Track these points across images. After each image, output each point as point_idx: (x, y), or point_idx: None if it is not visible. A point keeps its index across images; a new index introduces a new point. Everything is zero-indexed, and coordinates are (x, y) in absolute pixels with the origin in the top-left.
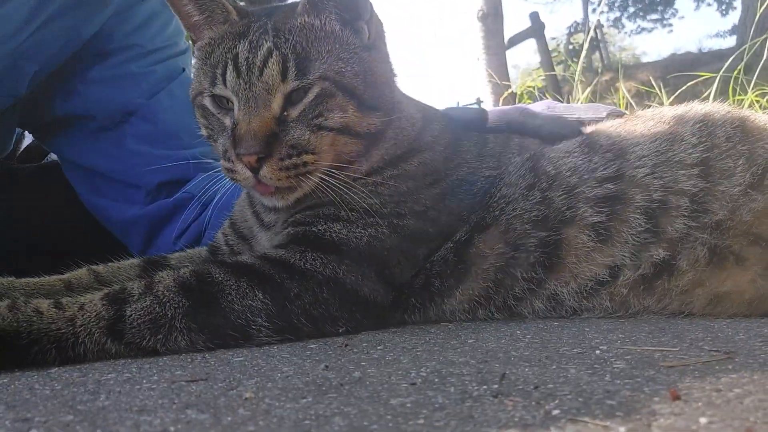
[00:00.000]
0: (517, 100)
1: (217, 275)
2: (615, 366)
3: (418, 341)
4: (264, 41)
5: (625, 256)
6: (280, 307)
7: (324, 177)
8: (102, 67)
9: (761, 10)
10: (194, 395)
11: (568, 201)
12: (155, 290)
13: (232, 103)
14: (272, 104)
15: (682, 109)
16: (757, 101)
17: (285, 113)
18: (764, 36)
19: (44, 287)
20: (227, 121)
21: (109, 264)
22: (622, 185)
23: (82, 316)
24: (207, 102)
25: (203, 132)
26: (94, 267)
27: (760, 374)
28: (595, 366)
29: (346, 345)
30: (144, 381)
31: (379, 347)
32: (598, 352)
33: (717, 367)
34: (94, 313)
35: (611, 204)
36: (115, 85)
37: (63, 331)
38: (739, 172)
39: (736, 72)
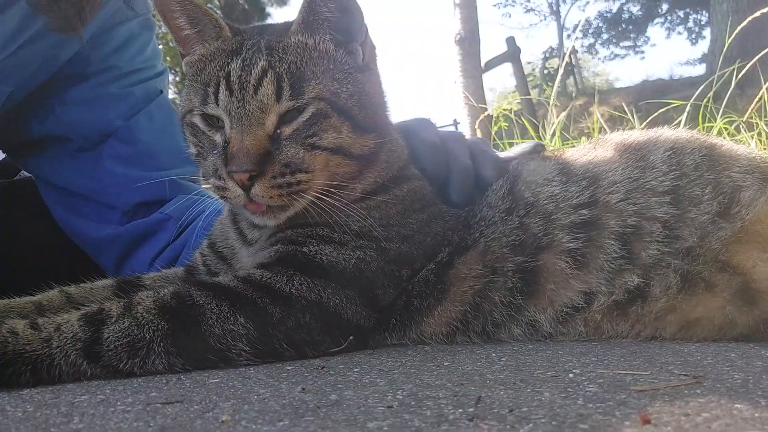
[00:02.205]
0: (493, 123)
1: (198, 298)
2: (588, 389)
3: (395, 363)
4: (258, 59)
5: (600, 282)
6: (262, 333)
7: (318, 196)
8: (80, 88)
9: (729, 41)
10: (170, 418)
11: (545, 227)
12: (134, 312)
13: (223, 121)
14: (266, 123)
15: (651, 134)
16: (726, 128)
17: (278, 131)
18: (732, 67)
19: (15, 309)
20: (218, 139)
21: (82, 285)
22: (596, 211)
23: (59, 337)
24: (197, 120)
25: (192, 150)
26: (66, 288)
27: (727, 399)
28: (569, 389)
29: (323, 367)
30: (118, 403)
31: (355, 369)
32: (571, 375)
33: (686, 392)
34: (71, 335)
35: (587, 230)
36: (93, 107)
37: (39, 352)
38: (707, 200)
39: (706, 100)
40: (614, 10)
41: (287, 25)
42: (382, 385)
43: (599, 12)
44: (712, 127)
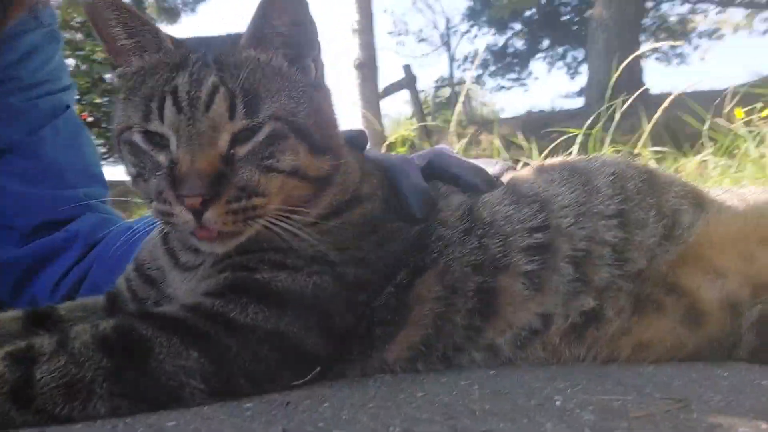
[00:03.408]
0: (392, 149)
1: (144, 331)
2: (585, 418)
3: (364, 396)
4: (207, 75)
5: (556, 304)
6: (218, 367)
7: (272, 221)
8: None
9: (614, 76)
10: None
11: (504, 249)
12: (70, 348)
13: (168, 140)
14: (218, 142)
15: (590, 160)
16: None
17: (231, 151)
18: (620, 98)
19: None
20: (162, 159)
21: None
22: (549, 235)
23: None
24: (137, 138)
25: (130, 170)
26: None
27: (723, 417)
28: (566, 419)
29: (288, 403)
30: None
31: (325, 404)
32: (558, 403)
33: (682, 416)
34: None
35: (542, 253)
36: None
37: None
38: (652, 223)
39: (596, 129)
40: (500, 44)
41: (234, 38)
42: (367, 420)
43: (487, 45)
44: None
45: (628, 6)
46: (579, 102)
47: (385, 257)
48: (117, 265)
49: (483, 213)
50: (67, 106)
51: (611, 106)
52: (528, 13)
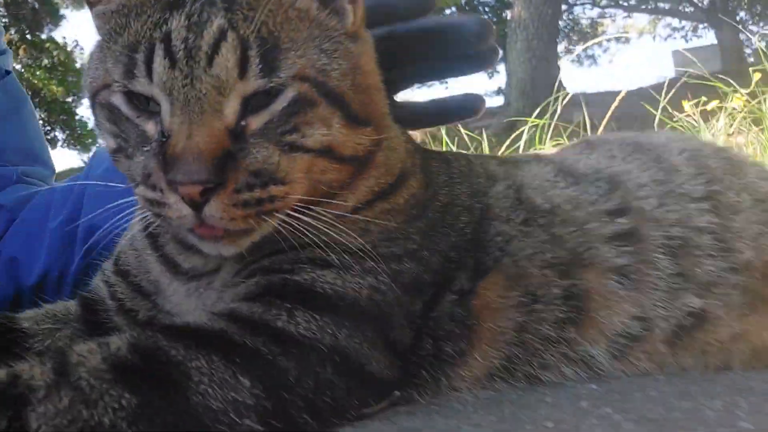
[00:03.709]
0: None
1: (173, 351)
2: None
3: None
4: (212, 16)
5: (656, 304)
6: (277, 400)
7: (292, 215)
8: None
9: (563, 82)
10: None
11: (584, 240)
12: (74, 378)
13: (159, 104)
14: (224, 109)
15: (648, 135)
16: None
17: (242, 123)
18: (557, 95)
19: None
20: (150, 129)
21: None
22: (633, 219)
23: None
24: (117, 100)
25: (109, 143)
26: None
27: None
28: None
29: None
30: None
31: None
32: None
33: None
34: None
35: (631, 242)
36: None
37: None
38: (749, 208)
39: (544, 120)
40: None
41: None
42: None
43: None
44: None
45: (546, 8)
46: (498, 100)
47: (435, 251)
48: (34, 234)
49: (536, 198)
50: (7, 72)
51: (549, 102)
52: (448, 12)
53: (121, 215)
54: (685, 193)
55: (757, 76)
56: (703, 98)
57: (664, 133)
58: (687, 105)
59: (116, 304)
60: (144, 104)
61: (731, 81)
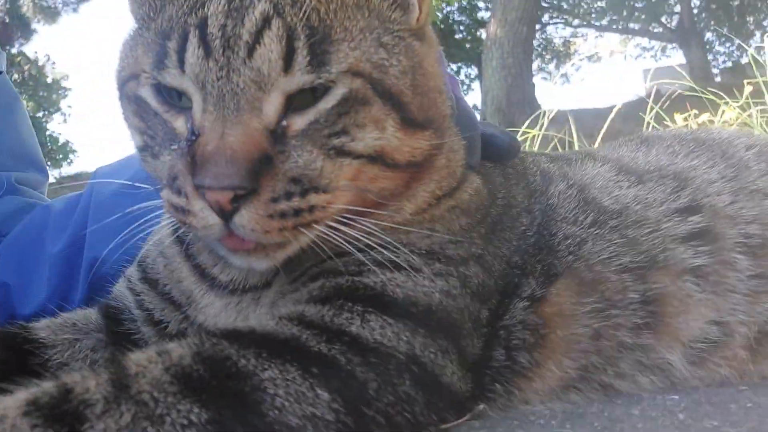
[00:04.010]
0: None
1: (243, 360)
2: None
3: None
4: (254, 0)
5: (735, 308)
6: (358, 417)
7: (333, 226)
8: None
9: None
10: None
11: (659, 240)
12: (135, 390)
13: (191, 99)
14: (264, 107)
15: (708, 131)
16: None
17: (283, 123)
18: (543, 111)
19: None
20: (180, 126)
21: None
22: (706, 217)
23: None
24: (145, 92)
25: (135, 139)
26: None
27: None
28: None
29: None
30: None
31: None
32: None
33: None
34: None
35: (707, 241)
36: None
37: None
38: None
39: (534, 132)
40: None
41: None
42: None
43: None
44: None
45: (521, 26)
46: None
47: (499, 256)
48: (28, 258)
49: (603, 199)
50: (0, 72)
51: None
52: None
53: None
54: (759, 190)
55: (748, 89)
56: (694, 111)
57: (724, 129)
58: (679, 117)
59: (144, 314)
60: (175, 99)
61: (723, 94)
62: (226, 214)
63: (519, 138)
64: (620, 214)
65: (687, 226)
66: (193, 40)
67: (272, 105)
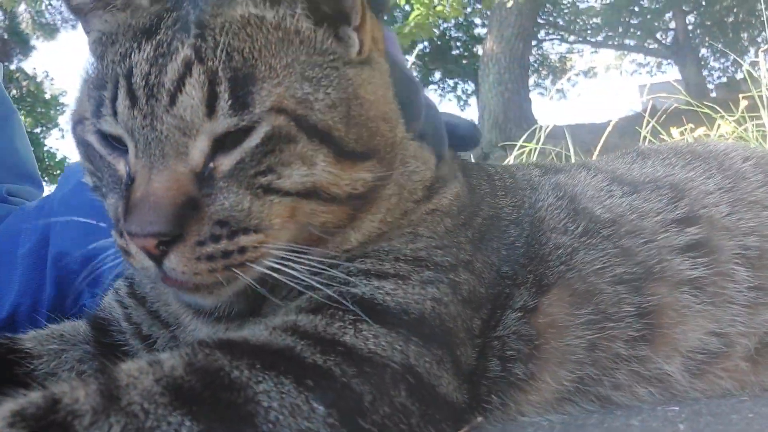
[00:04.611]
0: None
1: (236, 371)
2: None
3: None
4: (179, 45)
5: (735, 320)
6: (354, 430)
7: (279, 263)
8: None
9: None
10: None
11: (655, 251)
12: (125, 402)
13: (127, 145)
14: (190, 152)
15: (704, 144)
16: None
17: (211, 165)
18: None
19: None
20: (122, 170)
21: None
22: (704, 229)
23: None
24: (91, 137)
25: (87, 179)
26: None
27: None
28: None
29: None
30: None
31: None
32: None
33: None
34: None
35: (704, 253)
36: None
37: None
38: None
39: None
40: None
41: None
42: None
43: None
44: None
45: (517, 42)
46: None
47: (488, 265)
48: (7, 265)
49: (594, 209)
50: None
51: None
52: (420, 46)
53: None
54: (757, 201)
55: (744, 103)
56: (690, 125)
57: (720, 142)
58: (676, 132)
59: (132, 327)
60: (118, 142)
61: (718, 108)
62: (156, 258)
63: (516, 152)
64: (613, 223)
65: (684, 237)
66: (121, 90)
67: (198, 150)
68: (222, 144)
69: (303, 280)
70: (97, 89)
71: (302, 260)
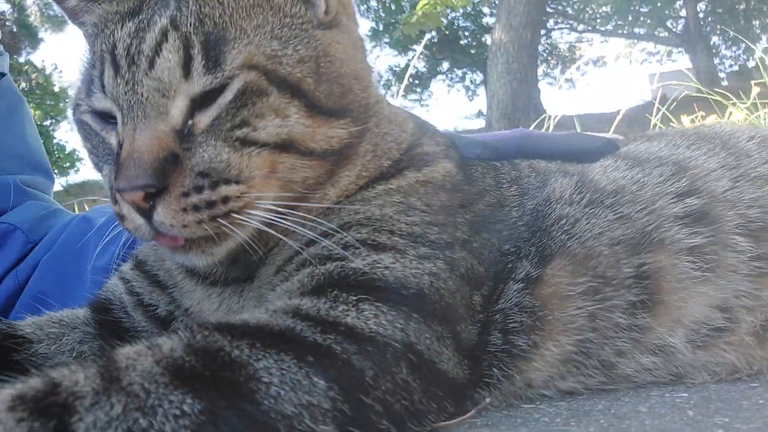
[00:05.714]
0: None
1: (236, 350)
2: None
3: None
4: (157, 18)
5: (739, 291)
6: (356, 405)
7: (270, 219)
8: None
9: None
10: None
11: (653, 218)
12: (126, 382)
13: (116, 116)
14: (170, 111)
15: (710, 126)
16: None
17: (190, 122)
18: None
19: None
20: (113, 141)
21: None
22: (705, 200)
23: None
24: (88, 118)
25: (90, 159)
26: None
27: None
28: None
29: None
30: None
31: None
32: None
33: None
34: None
35: (704, 222)
36: None
37: None
38: None
39: None
40: (402, 66)
41: None
42: None
43: (389, 66)
44: None
45: (526, 31)
46: (479, 123)
47: (489, 245)
48: (70, 270)
49: (601, 182)
50: (2, 74)
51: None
52: (428, 36)
53: None
54: (761, 176)
55: (756, 90)
56: (701, 113)
57: (726, 124)
58: (686, 119)
59: (134, 299)
60: (110, 117)
61: (730, 95)
62: (145, 213)
63: None
64: (617, 193)
65: (683, 207)
66: (107, 64)
67: (177, 109)
68: (200, 103)
69: (295, 232)
70: (89, 71)
71: (292, 213)
